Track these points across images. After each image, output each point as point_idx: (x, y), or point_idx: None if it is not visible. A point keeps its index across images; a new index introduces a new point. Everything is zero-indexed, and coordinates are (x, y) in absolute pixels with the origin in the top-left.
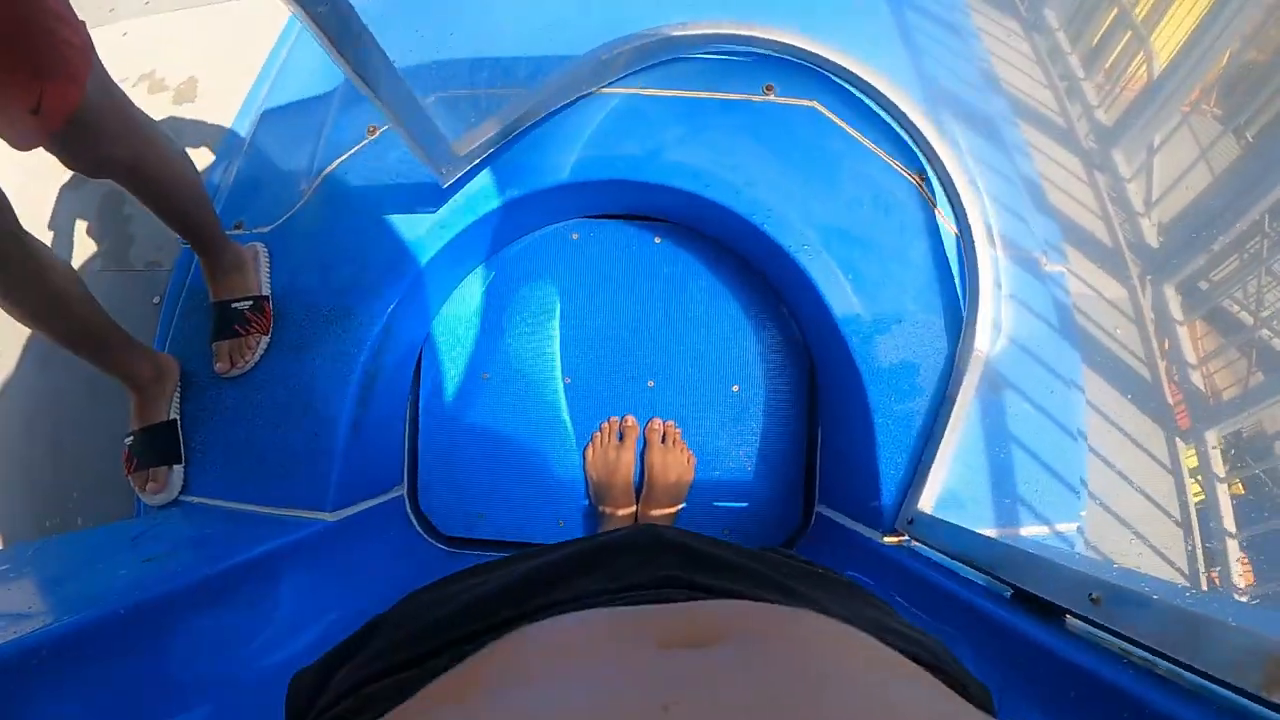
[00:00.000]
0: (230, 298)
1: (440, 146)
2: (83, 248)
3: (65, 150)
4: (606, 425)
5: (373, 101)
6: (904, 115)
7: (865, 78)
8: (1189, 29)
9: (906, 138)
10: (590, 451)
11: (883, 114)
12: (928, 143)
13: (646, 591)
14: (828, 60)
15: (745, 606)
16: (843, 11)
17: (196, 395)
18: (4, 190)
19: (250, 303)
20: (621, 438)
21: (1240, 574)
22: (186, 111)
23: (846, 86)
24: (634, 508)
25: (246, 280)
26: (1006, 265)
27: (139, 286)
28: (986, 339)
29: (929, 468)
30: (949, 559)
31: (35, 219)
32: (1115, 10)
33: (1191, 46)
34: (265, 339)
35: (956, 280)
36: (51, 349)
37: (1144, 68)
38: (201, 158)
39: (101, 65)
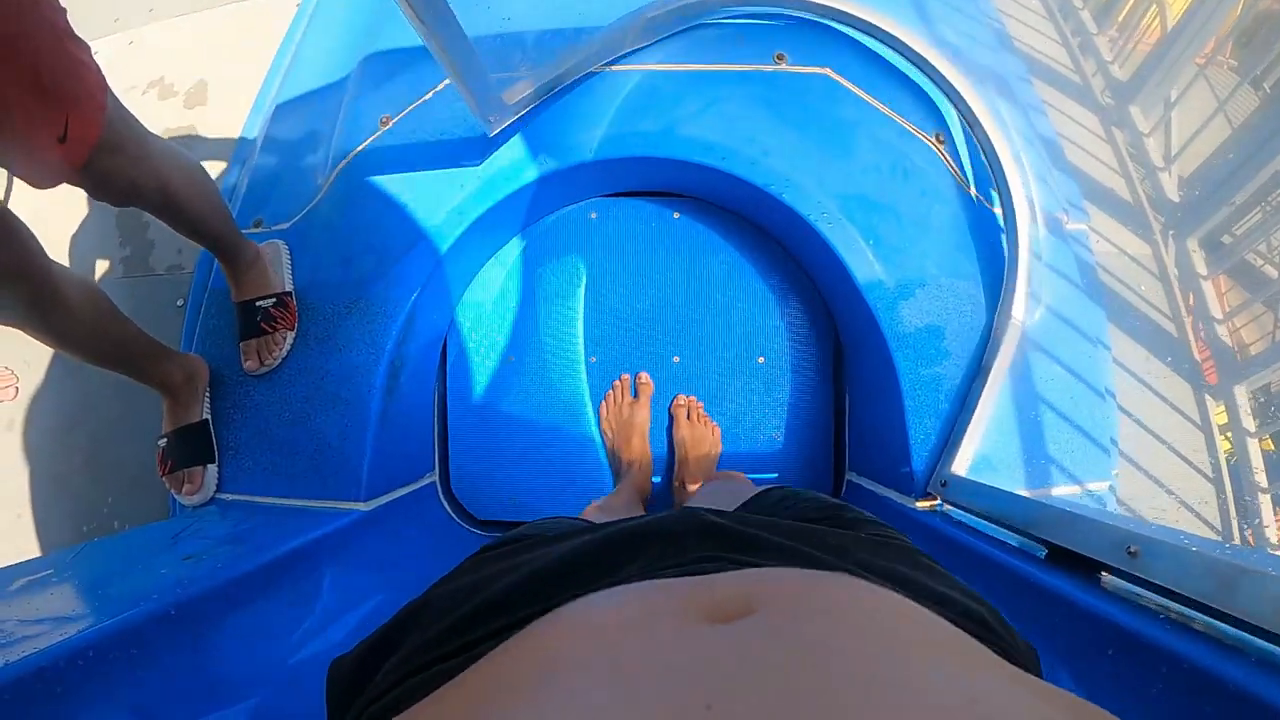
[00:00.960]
0: (254, 296)
1: (490, 95)
2: (104, 256)
3: (93, 179)
4: (618, 382)
5: (431, 47)
6: (944, 78)
7: (902, 38)
8: None
9: (946, 103)
10: (604, 408)
11: (917, 76)
12: (970, 111)
13: (681, 568)
14: (860, 19)
15: (776, 573)
16: None
17: (226, 393)
18: (22, 217)
19: (274, 300)
20: (636, 394)
21: (1275, 529)
22: (198, 115)
23: (882, 49)
24: (650, 459)
25: (268, 278)
26: (1045, 235)
27: (162, 290)
28: (1023, 309)
29: (963, 434)
30: (983, 521)
31: (57, 231)
32: None
33: None
34: (291, 334)
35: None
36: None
37: (1157, 19)
38: (216, 159)
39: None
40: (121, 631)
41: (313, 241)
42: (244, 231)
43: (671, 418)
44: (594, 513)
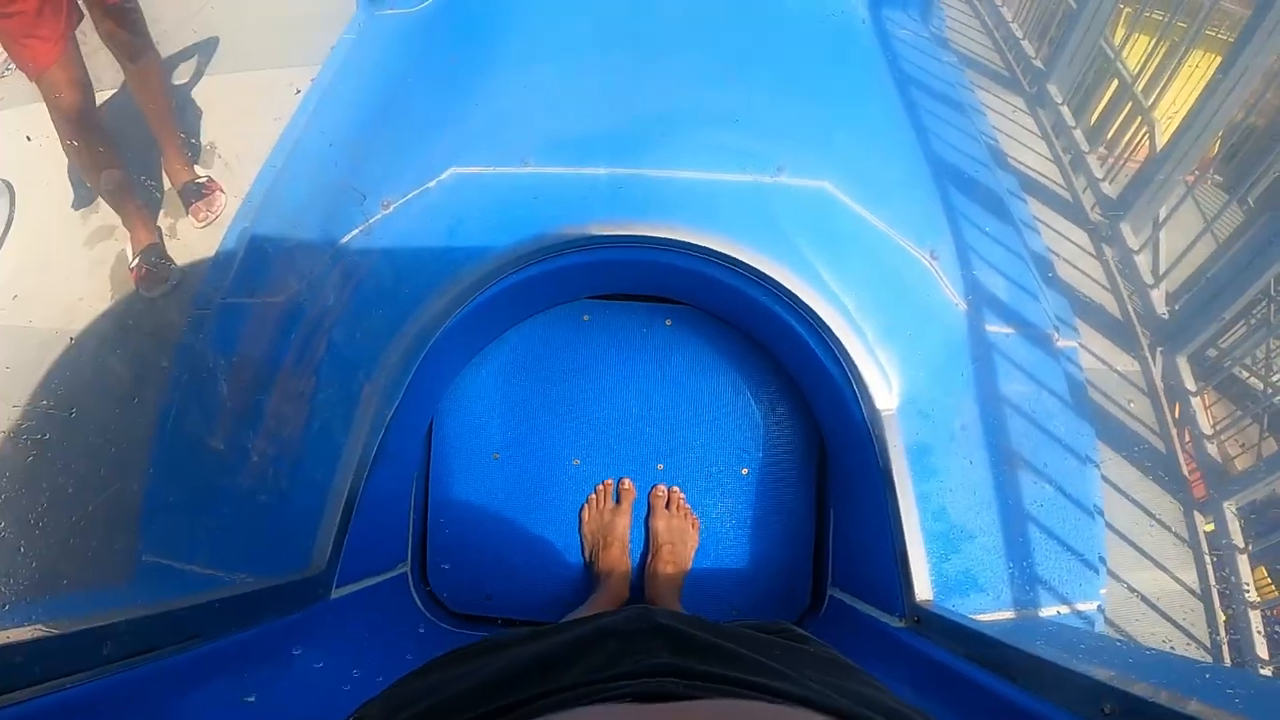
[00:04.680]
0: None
1: None
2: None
3: (120, 26)
4: (602, 487)
5: None
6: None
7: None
8: (1189, 97)
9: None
10: (586, 512)
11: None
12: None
13: (636, 681)
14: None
15: (736, 708)
16: (852, 91)
17: (195, 470)
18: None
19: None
20: (619, 499)
21: (1260, 644)
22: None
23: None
24: (629, 568)
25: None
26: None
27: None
28: (885, 397)
29: (906, 555)
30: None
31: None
32: (1116, 83)
33: (1194, 117)
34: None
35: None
36: None
37: (1146, 138)
38: (217, 223)
39: None
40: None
41: (305, 318)
42: (237, 300)
43: (650, 507)
44: None
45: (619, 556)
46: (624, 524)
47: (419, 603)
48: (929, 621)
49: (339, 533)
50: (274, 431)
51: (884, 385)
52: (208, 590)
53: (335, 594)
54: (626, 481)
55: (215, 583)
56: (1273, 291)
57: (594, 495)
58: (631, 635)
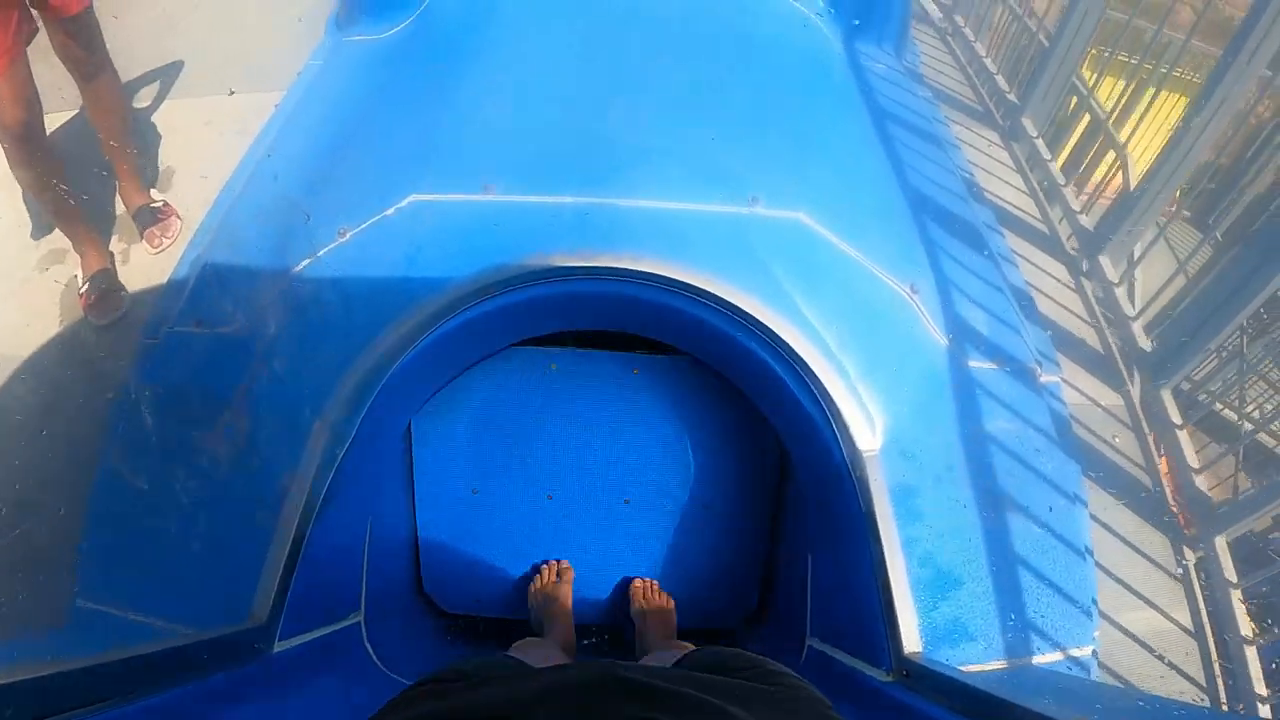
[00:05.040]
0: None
1: None
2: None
3: (75, 40)
4: (546, 567)
5: None
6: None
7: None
8: (1160, 131)
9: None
10: (532, 587)
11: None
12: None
13: None
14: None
15: None
16: (827, 123)
17: (130, 513)
18: None
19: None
20: (559, 576)
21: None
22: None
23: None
24: (570, 618)
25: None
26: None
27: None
28: (866, 437)
29: (891, 602)
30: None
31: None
32: (1088, 118)
33: (1165, 158)
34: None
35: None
36: None
37: (1119, 171)
38: (171, 250)
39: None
40: None
41: (255, 349)
42: (185, 330)
43: (631, 598)
44: (526, 648)
45: (562, 610)
46: (565, 593)
47: (372, 654)
48: (919, 675)
49: (282, 580)
50: (214, 472)
51: (866, 425)
52: (139, 643)
53: (278, 647)
54: (565, 563)
55: (153, 633)
56: (1244, 325)
57: (541, 573)
58: (598, 689)
